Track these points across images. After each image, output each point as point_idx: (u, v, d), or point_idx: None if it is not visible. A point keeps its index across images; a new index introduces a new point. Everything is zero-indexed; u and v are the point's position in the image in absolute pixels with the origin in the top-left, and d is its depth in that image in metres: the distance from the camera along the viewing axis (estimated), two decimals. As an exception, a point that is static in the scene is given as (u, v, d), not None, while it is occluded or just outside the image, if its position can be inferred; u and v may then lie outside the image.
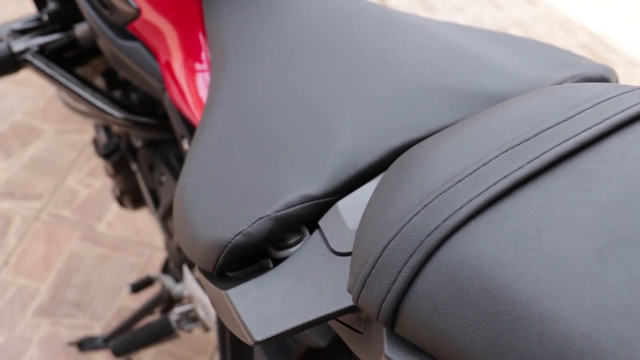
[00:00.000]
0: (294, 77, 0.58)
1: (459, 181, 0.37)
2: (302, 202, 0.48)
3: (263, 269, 0.47)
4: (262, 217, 0.47)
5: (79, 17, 1.08)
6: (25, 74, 1.74)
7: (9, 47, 1.00)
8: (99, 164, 1.77)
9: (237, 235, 0.46)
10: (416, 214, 0.36)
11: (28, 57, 1.00)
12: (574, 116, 0.39)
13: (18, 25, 1.10)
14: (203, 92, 0.70)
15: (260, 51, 0.62)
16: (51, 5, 1.12)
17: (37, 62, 1.00)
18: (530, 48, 0.60)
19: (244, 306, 0.43)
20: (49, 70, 0.99)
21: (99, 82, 1.24)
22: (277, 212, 0.47)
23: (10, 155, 1.80)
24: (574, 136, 0.38)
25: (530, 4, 2.72)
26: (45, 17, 1.09)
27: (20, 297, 1.44)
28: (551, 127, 0.39)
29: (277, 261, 0.48)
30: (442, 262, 0.34)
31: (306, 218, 0.48)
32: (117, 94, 1.12)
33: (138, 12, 0.77)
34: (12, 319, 1.41)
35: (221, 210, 0.48)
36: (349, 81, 0.56)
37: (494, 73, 0.55)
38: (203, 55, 0.71)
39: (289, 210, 0.47)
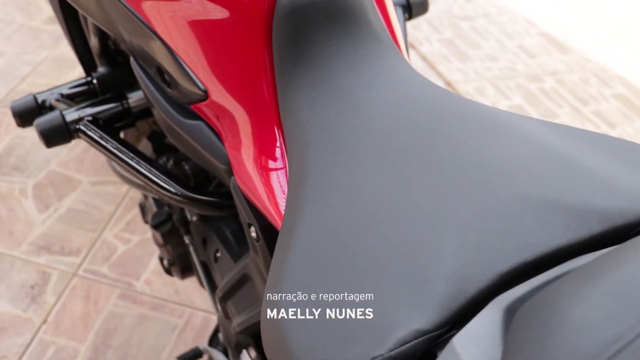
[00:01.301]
0: (387, 186, 0.55)
1: (619, 351, 0.34)
2: (415, 338, 0.45)
3: (375, 411, 0.44)
4: (375, 357, 0.44)
5: (131, 83, 1.07)
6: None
7: (63, 117, 0.99)
8: (136, 218, 1.75)
9: None
10: None
11: (81, 127, 0.99)
12: None
13: (66, 90, 1.09)
14: (278, 191, 0.67)
15: (347, 153, 0.59)
16: (101, 70, 1.11)
17: (90, 132, 0.98)
18: (634, 154, 0.57)
19: None
20: (102, 142, 0.98)
21: (144, 145, 1.22)
22: (391, 350, 0.44)
23: (46, 207, 1.79)
24: None
25: (563, 52, 2.71)
26: (94, 82, 1.08)
27: (60, 359, 1.42)
28: None
29: (386, 400, 0.45)
30: None
31: (418, 354, 0.45)
32: (165, 161, 1.10)
33: (206, 94, 0.75)
34: (51, 382, 1.38)
35: (329, 346, 0.45)
36: (448, 191, 0.54)
37: (602, 186, 0.52)
38: (278, 152, 0.69)
39: (403, 348, 0.44)
